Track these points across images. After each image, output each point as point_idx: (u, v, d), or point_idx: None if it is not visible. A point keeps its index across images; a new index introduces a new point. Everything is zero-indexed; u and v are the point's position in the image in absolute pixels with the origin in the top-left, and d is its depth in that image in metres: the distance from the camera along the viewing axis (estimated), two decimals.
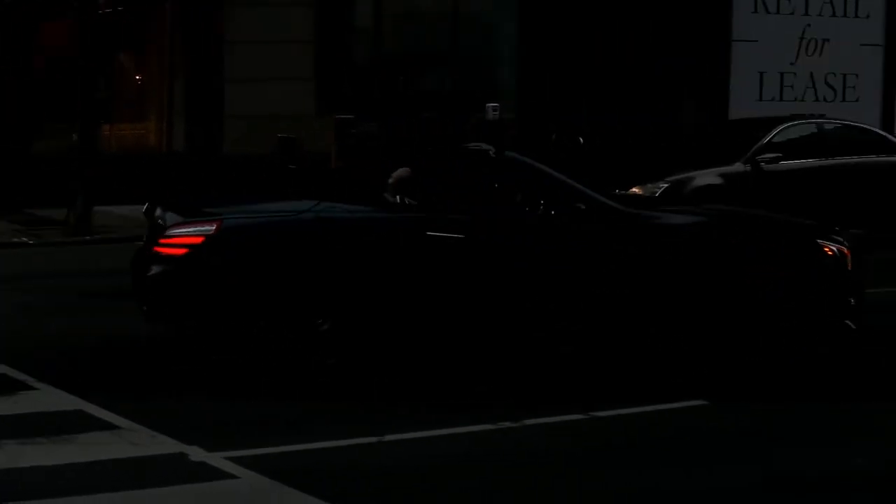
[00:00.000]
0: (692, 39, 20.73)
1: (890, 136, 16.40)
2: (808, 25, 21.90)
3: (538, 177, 8.09)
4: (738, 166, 14.06)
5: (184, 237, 7.54)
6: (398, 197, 8.02)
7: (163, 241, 7.61)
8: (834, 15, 22.21)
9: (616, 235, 7.86)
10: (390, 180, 8.17)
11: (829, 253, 8.09)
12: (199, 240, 7.48)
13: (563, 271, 7.80)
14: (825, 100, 21.82)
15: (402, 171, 8.20)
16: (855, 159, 15.01)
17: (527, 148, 18.04)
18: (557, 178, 8.10)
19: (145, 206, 8.40)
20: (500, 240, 7.86)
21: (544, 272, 7.78)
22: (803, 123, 15.42)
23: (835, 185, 14.49)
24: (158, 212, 8.03)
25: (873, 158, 15.17)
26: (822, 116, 16.27)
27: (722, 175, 14.00)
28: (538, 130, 18.67)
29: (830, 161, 14.84)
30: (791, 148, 14.63)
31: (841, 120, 16.39)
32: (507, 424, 6.60)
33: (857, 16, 22.47)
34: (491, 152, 8.34)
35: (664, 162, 14.51)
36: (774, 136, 14.69)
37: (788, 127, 15.03)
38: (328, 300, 7.50)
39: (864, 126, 16.41)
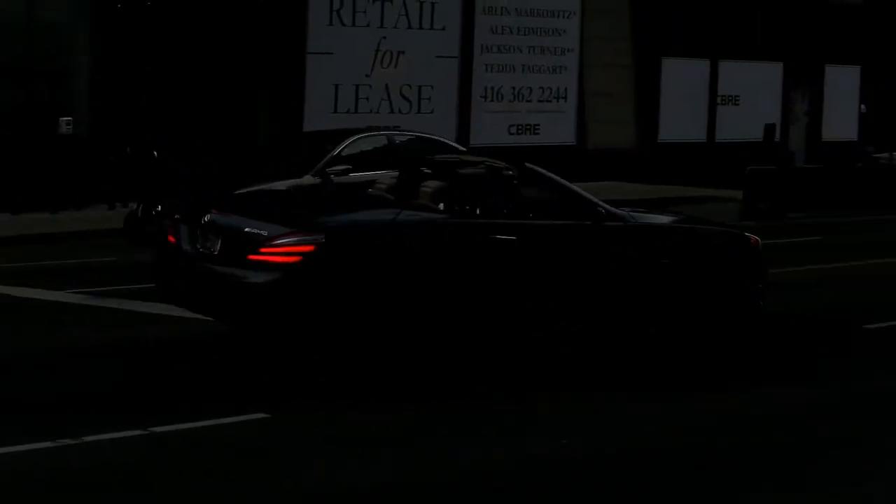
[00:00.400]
0: (268, 52, 22.17)
1: (460, 147, 18.58)
2: (384, 38, 24.19)
3: (555, 186, 9.92)
4: (307, 179, 15.57)
5: (294, 246, 8.51)
6: (441, 205, 9.39)
7: (267, 249, 8.56)
8: (410, 27, 24.72)
9: (621, 233, 9.79)
10: (427, 190, 9.48)
11: (753, 243, 10.25)
12: (310, 248, 8.53)
13: (585, 262, 9.64)
14: (401, 112, 24.29)
15: (437, 183, 9.58)
16: None
17: (101, 161, 19.01)
18: (571, 187, 9.97)
19: (181, 213, 9.31)
20: (541, 239, 9.58)
21: (573, 263, 9.62)
22: (374, 135, 17.38)
23: None
24: (217, 218, 8.95)
25: None
26: (396, 128, 18.22)
27: None
28: (113, 144, 19.65)
29: None
30: (362, 160, 16.65)
31: (413, 132, 18.33)
32: (67, 441, 7.25)
33: (432, 28, 25.09)
34: (507, 166, 9.96)
35: (239, 177, 15.47)
36: (344, 148, 16.50)
37: (359, 139, 16.88)
38: (414, 295, 8.81)
39: (435, 137, 18.56)
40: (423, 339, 9.09)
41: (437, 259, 8.97)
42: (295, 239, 8.55)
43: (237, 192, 12.50)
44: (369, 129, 17.68)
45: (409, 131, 18.23)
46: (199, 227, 9.02)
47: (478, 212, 9.45)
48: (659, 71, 29.01)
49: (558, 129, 27.20)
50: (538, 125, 26.80)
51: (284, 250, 8.53)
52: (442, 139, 18.56)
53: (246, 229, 8.76)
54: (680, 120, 29.50)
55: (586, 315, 9.64)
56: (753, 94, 30.86)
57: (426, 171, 9.99)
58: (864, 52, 34.03)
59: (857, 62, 33.55)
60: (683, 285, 9.67)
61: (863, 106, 34.49)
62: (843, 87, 33.38)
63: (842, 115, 33.39)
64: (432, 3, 24.53)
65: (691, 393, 8.90)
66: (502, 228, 9.36)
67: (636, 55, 28.59)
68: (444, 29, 24.92)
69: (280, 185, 13.48)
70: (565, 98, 27.27)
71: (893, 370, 10.15)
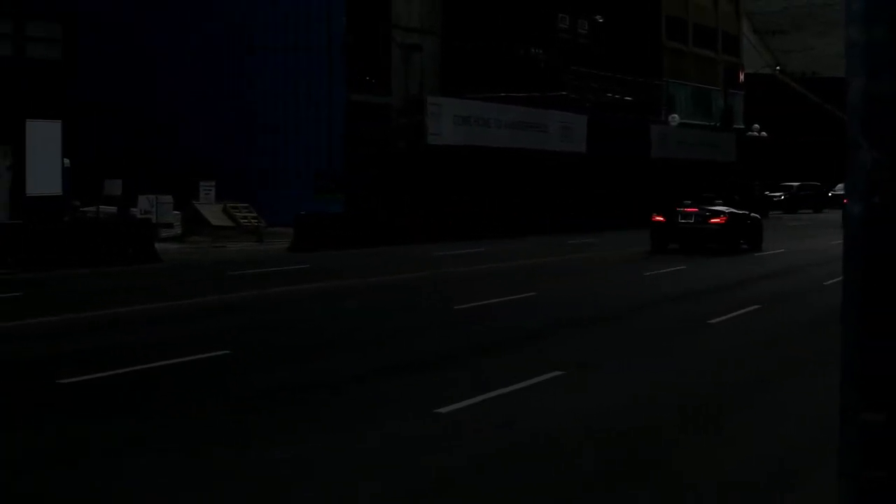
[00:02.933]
0: None
1: None
2: None
3: None
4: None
5: (723, 217, 41.43)
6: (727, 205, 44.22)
7: (715, 220, 41.10)
8: None
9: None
10: (736, 200, 45.16)
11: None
12: (726, 219, 41.40)
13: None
14: None
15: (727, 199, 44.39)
16: None
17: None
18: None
19: (668, 210, 42.02)
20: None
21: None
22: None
23: None
24: (690, 213, 41.38)
25: None
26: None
27: None
28: None
29: None
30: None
31: None
32: None
33: None
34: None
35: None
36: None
37: None
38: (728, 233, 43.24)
39: None
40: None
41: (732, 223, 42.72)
42: (723, 216, 41.34)
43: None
44: None
45: None
46: (682, 214, 41.15)
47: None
48: None
49: None
50: None
51: (721, 220, 41.14)
52: None
53: (708, 213, 41.13)
54: None
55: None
56: None
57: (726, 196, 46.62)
58: (63, 106, 43.10)
59: (57, 117, 41.95)
60: None
61: (66, 160, 43.00)
62: (45, 142, 41.25)
63: (45, 170, 41.33)
64: None
65: None
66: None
67: None
68: None
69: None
70: None
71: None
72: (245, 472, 10.70)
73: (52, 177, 42.03)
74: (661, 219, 41.85)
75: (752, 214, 44.46)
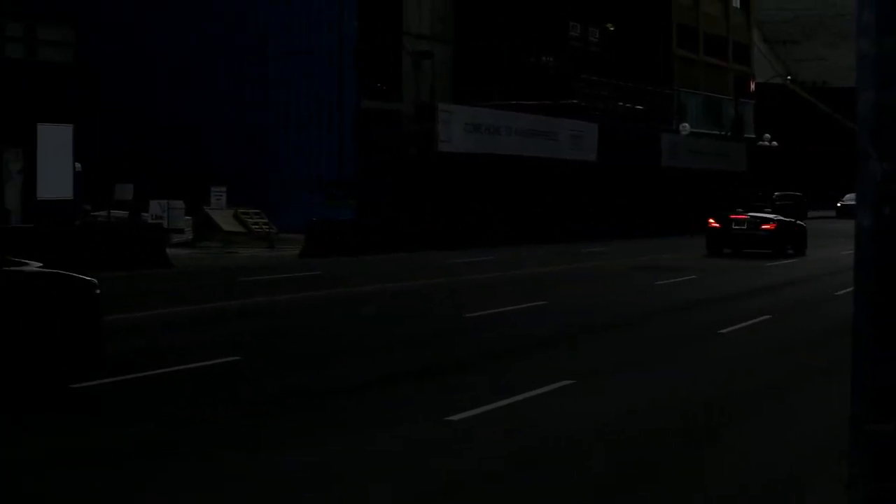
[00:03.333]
0: None
1: None
2: None
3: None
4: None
5: (773, 224, 45.63)
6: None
7: (766, 226, 45.46)
8: None
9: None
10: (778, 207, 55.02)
11: None
12: (775, 225, 45.53)
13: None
14: None
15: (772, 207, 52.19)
16: None
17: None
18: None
19: (721, 215, 46.78)
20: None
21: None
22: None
23: None
24: (744, 219, 46.12)
25: None
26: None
27: None
28: None
29: None
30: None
31: None
32: None
33: None
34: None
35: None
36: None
37: None
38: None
39: None
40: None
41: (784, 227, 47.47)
42: (773, 223, 45.48)
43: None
44: None
45: None
46: (735, 220, 45.50)
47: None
48: None
49: None
50: None
51: (771, 226, 45.18)
52: None
53: (759, 220, 45.51)
54: None
55: None
56: None
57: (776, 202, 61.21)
58: (74, 111, 43.77)
59: (69, 121, 42.42)
60: None
61: (77, 164, 43.32)
62: (56, 146, 41.58)
63: (56, 174, 41.60)
64: None
65: None
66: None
67: None
68: None
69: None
70: None
71: None
72: (255, 474, 10.77)
73: (64, 181, 42.21)
74: (717, 225, 46.46)
75: (798, 222, 48.86)
